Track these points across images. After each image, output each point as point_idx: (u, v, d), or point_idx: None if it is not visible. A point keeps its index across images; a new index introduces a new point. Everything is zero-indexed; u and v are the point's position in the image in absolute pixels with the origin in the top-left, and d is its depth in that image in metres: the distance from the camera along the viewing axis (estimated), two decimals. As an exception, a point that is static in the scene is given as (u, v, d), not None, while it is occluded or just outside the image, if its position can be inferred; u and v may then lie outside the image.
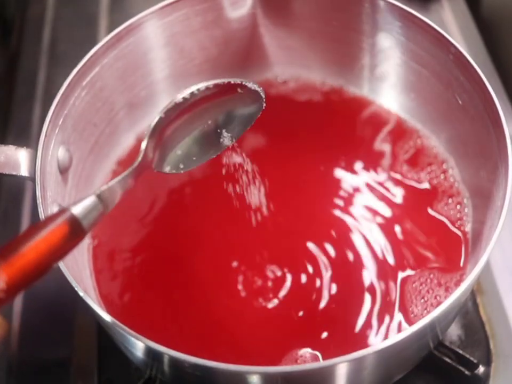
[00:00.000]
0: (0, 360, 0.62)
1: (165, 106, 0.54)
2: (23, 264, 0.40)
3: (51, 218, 0.42)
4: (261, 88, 0.54)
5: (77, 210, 0.43)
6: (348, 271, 0.60)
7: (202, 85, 0.54)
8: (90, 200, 0.44)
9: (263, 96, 0.54)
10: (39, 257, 0.41)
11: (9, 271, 0.39)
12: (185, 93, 0.54)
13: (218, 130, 0.54)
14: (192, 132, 0.54)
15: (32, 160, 0.52)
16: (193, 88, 0.54)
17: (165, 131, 0.54)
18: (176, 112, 0.54)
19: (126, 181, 0.49)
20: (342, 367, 0.45)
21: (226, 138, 0.54)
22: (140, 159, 0.51)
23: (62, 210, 0.43)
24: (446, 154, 0.65)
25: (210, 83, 0.54)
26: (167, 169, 0.54)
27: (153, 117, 0.68)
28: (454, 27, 0.84)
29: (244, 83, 0.54)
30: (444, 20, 0.84)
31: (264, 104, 0.54)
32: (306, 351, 0.55)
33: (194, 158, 0.54)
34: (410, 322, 0.56)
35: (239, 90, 0.54)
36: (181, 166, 0.54)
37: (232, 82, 0.54)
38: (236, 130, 0.54)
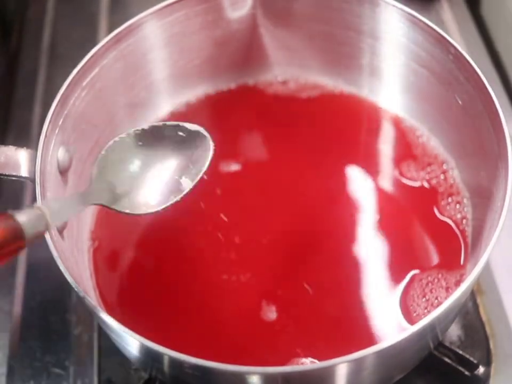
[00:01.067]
0: (0, 360, 0.62)
1: (107, 144, 0.53)
2: None
3: None
4: (202, 128, 0.53)
5: (21, 217, 0.42)
6: (348, 271, 0.60)
7: (138, 128, 0.53)
8: (34, 212, 0.43)
9: (207, 135, 0.53)
10: None
11: None
12: (125, 133, 0.53)
13: (176, 177, 0.53)
14: (146, 175, 0.53)
15: (32, 160, 0.52)
16: (130, 131, 0.53)
17: (116, 170, 0.52)
18: (123, 150, 0.53)
19: (74, 204, 0.48)
20: (342, 367, 0.45)
21: (185, 183, 0.53)
22: (89, 188, 0.50)
23: (5, 214, 0.42)
24: (446, 154, 0.65)
25: (147, 126, 0.53)
26: (123, 209, 0.52)
27: (153, 117, 0.69)
28: (454, 27, 0.84)
29: (181, 125, 0.53)
30: (444, 20, 0.84)
31: (212, 144, 0.52)
32: (307, 351, 0.55)
33: (154, 202, 0.52)
34: (411, 322, 0.56)
35: (180, 133, 0.53)
36: (142, 209, 0.52)
37: (168, 124, 0.53)
38: (193, 173, 0.53)
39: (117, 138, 0.53)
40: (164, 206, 0.52)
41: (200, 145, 0.53)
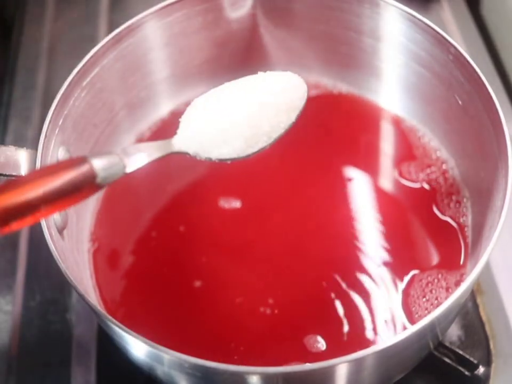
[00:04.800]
0: (0, 360, 0.62)
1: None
2: (23, 193, 0.39)
3: (69, 163, 0.42)
4: (296, 74, 0.52)
5: (97, 162, 0.42)
6: (348, 271, 0.60)
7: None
8: (112, 158, 0.44)
9: (301, 80, 0.52)
10: (42, 196, 0.40)
11: (6, 198, 0.39)
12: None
13: (265, 124, 0.51)
14: (233, 124, 0.50)
15: (32, 160, 0.52)
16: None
17: (201, 119, 0.51)
18: (210, 102, 0.52)
19: (153, 151, 0.48)
20: (342, 367, 0.45)
21: (274, 130, 0.51)
22: (172, 138, 0.50)
23: (81, 159, 0.42)
24: (446, 154, 0.65)
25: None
26: (211, 156, 0.50)
27: (153, 117, 0.69)
28: (454, 27, 0.84)
29: (271, 73, 0.52)
30: (444, 20, 0.84)
31: (306, 89, 0.52)
32: (307, 351, 0.55)
33: (241, 149, 0.50)
34: (412, 322, 0.56)
35: (270, 81, 0.52)
36: (230, 154, 0.50)
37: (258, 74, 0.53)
38: (283, 120, 0.51)
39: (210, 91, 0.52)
40: (252, 152, 0.51)
41: (292, 91, 0.52)
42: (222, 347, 0.56)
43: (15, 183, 0.40)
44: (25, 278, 0.67)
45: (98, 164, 0.43)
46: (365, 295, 0.58)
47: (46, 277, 0.66)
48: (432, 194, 0.63)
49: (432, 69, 0.61)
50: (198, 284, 0.59)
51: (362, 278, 0.59)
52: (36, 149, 0.52)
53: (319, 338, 0.56)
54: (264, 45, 0.69)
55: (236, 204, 0.63)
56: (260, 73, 0.53)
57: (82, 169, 0.42)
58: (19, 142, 0.76)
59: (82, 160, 0.42)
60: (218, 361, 0.43)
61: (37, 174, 0.42)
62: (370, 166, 0.66)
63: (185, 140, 0.50)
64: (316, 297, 0.58)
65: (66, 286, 0.53)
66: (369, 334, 0.56)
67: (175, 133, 0.51)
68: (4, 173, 0.52)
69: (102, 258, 0.61)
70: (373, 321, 0.57)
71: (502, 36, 0.83)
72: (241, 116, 0.50)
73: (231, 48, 0.68)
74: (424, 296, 0.57)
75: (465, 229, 0.60)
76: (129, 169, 0.45)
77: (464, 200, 0.62)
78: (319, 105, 0.70)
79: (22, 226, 0.40)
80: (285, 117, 0.52)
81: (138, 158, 0.46)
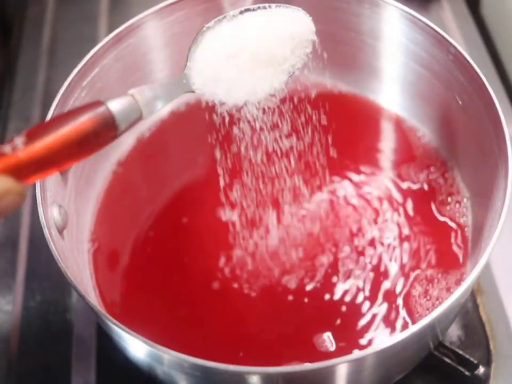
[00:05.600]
0: (0, 360, 0.62)
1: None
2: (45, 138, 0.40)
3: (86, 108, 0.42)
4: (302, 9, 0.51)
5: (114, 105, 0.42)
6: (349, 271, 0.60)
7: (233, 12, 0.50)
8: (127, 99, 0.44)
9: (308, 17, 0.51)
10: (61, 141, 0.40)
11: (30, 136, 0.39)
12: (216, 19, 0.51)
13: (275, 64, 0.50)
14: (244, 64, 0.49)
15: (32, 160, 0.52)
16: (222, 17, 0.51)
17: (210, 56, 0.50)
18: (217, 37, 0.50)
19: (169, 91, 0.47)
20: (342, 367, 0.45)
21: (286, 69, 0.50)
22: (184, 75, 0.49)
23: (98, 103, 0.42)
24: (446, 154, 0.65)
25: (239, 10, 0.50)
26: (221, 98, 0.49)
27: (153, 117, 0.68)
28: (454, 27, 0.84)
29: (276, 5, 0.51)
30: (444, 20, 0.84)
31: (314, 27, 0.51)
32: (308, 351, 0.55)
33: (252, 91, 0.49)
34: (413, 322, 0.56)
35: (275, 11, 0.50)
36: (242, 97, 0.49)
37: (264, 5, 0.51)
38: (294, 58, 0.50)
39: (209, 23, 0.51)
40: (264, 94, 0.50)
41: (300, 28, 0.51)
42: (223, 346, 0.56)
43: (37, 133, 0.40)
44: (25, 278, 0.67)
45: (115, 106, 0.42)
46: (365, 295, 0.58)
47: (46, 277, 0.66)
48: (432, 194, 0.63)
49: (432, 69, 0.61)
50: (197, 283, 0.59)
51: (362, 278, 0.59)
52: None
53: (325, 337, 0.56)
54: (264, 45, 0.69)
55: (236, 203, 0.63)
56: (266, 6, 0.51)
57: (99, 112, 0.42)
58: (19, 142, 0.75)
59: (98, 103, 0.42)
60: (219, 360, 0.43)
61: (57, 122, 0.42)
62: (370, 166, 0.66)
63: (198, 79, 0.49)
64: (316, 299, 0.58)
65: (66, 286, 0.53)
66: (369, 334, 0.56)
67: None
68: (4, 173, 0.52)
69: (102, 258, 0.61)
70: (373, 322, 0.57)
71: (502, 36, 0.83)
72: (257, 50, 0.49)
73: (231, 48, 0.68)
74: (424, 297, 0.57)
75: (465, 229, 0.60)
76: (146, 114, 0.45)
77: (464, 200, 0.62)
78: (319, 105, 0.70)
79: (43, 178, 0.40)
80: (301, 49, 0.51)
81: (153, 101, 0.46)
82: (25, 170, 0.39)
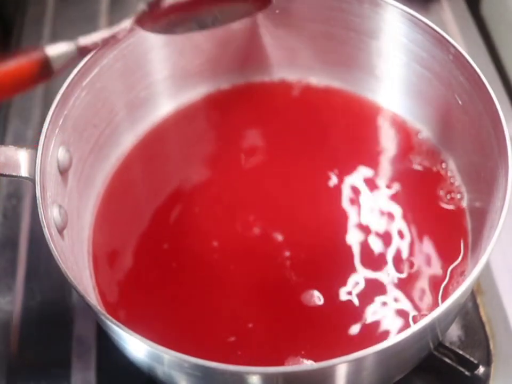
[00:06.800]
0: (0, 360, 0.62)
1: None
2: None
3: (25, 53, 0.45)
4: None
5: (51, 51, 0.46)
6: (348, 271, 0.60)
7: None
8: (66, 46, 0.47)
9: None
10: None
11: None
12: None
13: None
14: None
15: (32, 160, 0.52)
16: None
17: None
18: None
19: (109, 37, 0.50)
20: (341, 367, 0.45)
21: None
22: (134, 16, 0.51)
23: (37, 48, 0.45)
24: (445, 154, 0.65)
25: None
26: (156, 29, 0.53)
27: (153, 117, 0.68)
28: (454, 27, 0.84)
29: None
30: (444, 20, 0.84)
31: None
32: (308, 352, 0.55)
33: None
34: (413, 322, 0.56)
35: None
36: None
37: None
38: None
39: None
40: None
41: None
42: (223, 346, 0.56)
43: None
44: (25, 278, 0.67)
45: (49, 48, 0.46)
46: (365, 296, 0.58)
47: (46, 277, 0.66)
48: (432, 194, 0.63)
49: (432, 69, 0.61)
50: (198, 283, 0.59)
51: (362, 278, 0.59)
52: (36, 149, 0.52)
53: (320, 339, 0.56)
54: (264, 45, 0.69)
55: (237, 202, 0.64)
56: None
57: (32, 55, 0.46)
58: (19, 142, 0.76)
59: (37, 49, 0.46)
60: (219, 360, 0.43)
61: None
62: (369, 165, 0.66)
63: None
64: (317, 297, 0.58)
65: (66, 286, 0.53)
66: (369, 334, 0.56)
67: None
68: (4, 173, 0.52)
69: (102, 258, 0.61)
70: (373, 321, 0.57)
71: (502, 36, 0.83)
72: None
73: (231, 48, 0.68)
74: (424, 297, 0.57)
75: (465, 229, 0.60)
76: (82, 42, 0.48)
77: (464, 200, 0.62)
78: (319, 105, 0.70)
79: None
80: None
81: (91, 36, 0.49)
82: None
